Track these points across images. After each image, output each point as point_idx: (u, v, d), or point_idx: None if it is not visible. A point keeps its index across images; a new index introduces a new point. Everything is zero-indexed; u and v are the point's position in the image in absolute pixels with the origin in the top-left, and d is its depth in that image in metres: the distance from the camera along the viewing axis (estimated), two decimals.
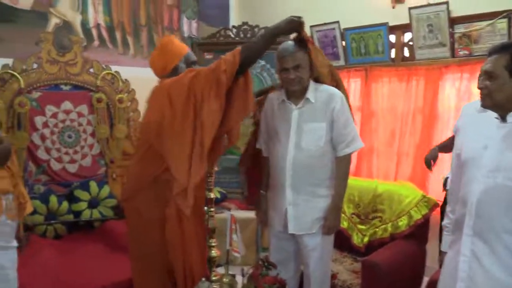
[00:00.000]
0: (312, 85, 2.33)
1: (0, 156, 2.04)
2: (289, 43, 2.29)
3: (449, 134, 3.45)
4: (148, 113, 2.21)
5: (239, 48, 2.04)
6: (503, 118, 1.64)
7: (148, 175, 2.17)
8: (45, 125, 3.42)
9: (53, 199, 3.25)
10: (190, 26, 4.61)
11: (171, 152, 2.06)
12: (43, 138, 3.40)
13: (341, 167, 2.34)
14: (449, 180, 2.86)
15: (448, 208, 1.95)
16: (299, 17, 2.18)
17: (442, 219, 2.97)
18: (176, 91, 2.05)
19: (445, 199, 2.96)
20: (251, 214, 3.56)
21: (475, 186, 1.65)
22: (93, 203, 3.44)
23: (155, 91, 2.21)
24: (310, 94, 2.30)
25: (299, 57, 2.24)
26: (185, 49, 2.26)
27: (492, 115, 1.68)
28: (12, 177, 2.27)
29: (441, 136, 3.50)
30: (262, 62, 4.34)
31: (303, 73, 2.25)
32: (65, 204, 3.31)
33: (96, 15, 3.91)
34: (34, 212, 3.16)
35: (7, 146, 2.18)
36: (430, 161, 2.90)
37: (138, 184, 2.21)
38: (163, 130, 2.07)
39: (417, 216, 3.02)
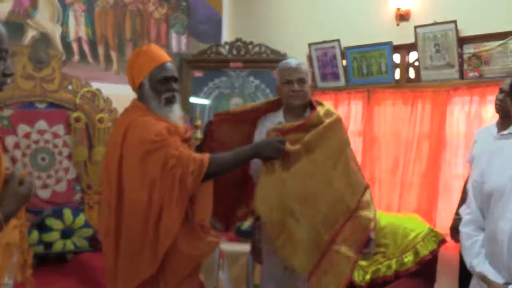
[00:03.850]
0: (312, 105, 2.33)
1: (21, 200, 1.70)
2: (292, 59, 2.36)
3: (458, 162, 3.42)
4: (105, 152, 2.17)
5: (209, 156, 1.97)
6: None
7: None
8: (17, 146, 3.33)
9: None
10: (179, 42, 4.59)
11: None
12: (13, 160, 3.31)
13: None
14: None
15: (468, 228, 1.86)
16: (283, 143, 2.09)
17: (462, 259, 2.88)
18: (129, 150, 1.96)
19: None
20: (241, 247, 3.48)
21: (505, 222, 1.62)
22: (66, 233, 3.32)
23: (117, 123, 2.14)
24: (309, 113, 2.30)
25: (304, 71, 2.28)
26: (154, 63, 2.07)
27: None
28: (22, 227, 2.10)
29: (449, 165, 3.46)
30: (257, 82, 4.33)
31: (306, 88, 2.27)
32: (35, 234, 3.19)
33: (77, 28, 3.88)
34: None
35: (29, 189, 1.87)
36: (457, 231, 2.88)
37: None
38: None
39: (424, 252, 2.97)
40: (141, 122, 1.99)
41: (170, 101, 2.10)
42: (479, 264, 1.77)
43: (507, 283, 1.63)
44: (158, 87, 2.06)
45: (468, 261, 1.83)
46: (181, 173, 1.89)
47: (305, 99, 2.30)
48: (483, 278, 1.68)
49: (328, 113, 2.31)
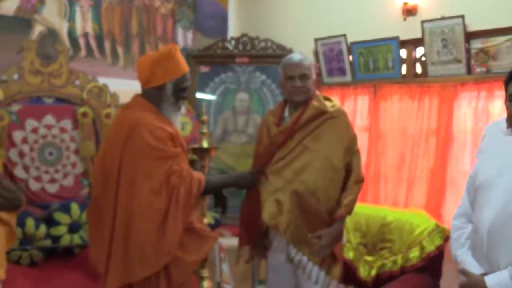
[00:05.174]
0: (317, 98, 2.33)
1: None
2: (296, 53, 2.37)
3: (465, 158, 3.42)
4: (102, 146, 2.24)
5: (204, 178, 2.10)
6: None
7: None
8: (24, 140, 3.36)
9: (30, 222, 3.17)
10: (185, 37, 4.60)
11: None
12: (21, 155, 3.34)
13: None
14: None
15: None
16: (256, 173, 2.28)
17: None
18: (133, 152, 1.99)
19: None
20: None
21: (486, 215, 1.68)
22: (74, 227, 3.35)
23: (119, 119, 2.15)
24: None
25: (306, 67, 2.28)
26: (182, 70, 2.14)
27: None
28: None
29: (456, 160, 3.46)
30: (263, 77, 4.33)
31: (309, 84, 2.27)
32: (42, 228, 3.22)
33: (84, 23, 3.90)
34: None
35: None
36: None
37: None
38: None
39: (430, 247, 2.96)
40: (148, 125, 2.01)
41: (180, 108, 2.21)
42: (462, 255, 1.85)
43: (485, 274, 1.69)
44: (180, 94, 2.13)
45: (453, 252, 1.91)
46: (184, 193, 1.98)
47: (307, 95, 2.31)
48: (463, 271, 1.76)
49: (333, 107, 2.33)
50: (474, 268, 1.75)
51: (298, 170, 2.25)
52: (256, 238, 2.41)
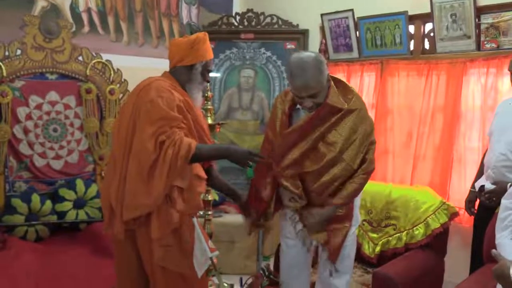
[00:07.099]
0: (332, 93, 2.29)
1: None
2: (304, 61, 2.17)
3: (473, 135, 3.40)
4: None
5: (196, 144, 2.12)
6: None
7: None
8: (29, 117, 3.38)
9: (36, 198, 3.22)
10: (189, 12, 4.57)
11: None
12: (26, 131, 3.37)
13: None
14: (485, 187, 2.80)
15: None
16: (254, 155, 2.21)
17: (476, 233, 2.93)
18: (139, 105, 2.12)
19: (479, 209, 2.92)
20: None
21: None
22: (79, 203, 3.41)
23: (139, 84, 2.27)
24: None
25: (313, 86, 2.17)
26: (211, 55, 2.37)
27: None
28: None
29: (464, 138, 3.44)
30: (268, 53, 4.31)
31: (320, 98, 2.22)
32: (48, 204, 3.27)
33: None
34: (14, 212, 3.15)
35: None
36: (472, 205, 2.92)
37: None
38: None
39: (435, 224, 2.97)
40: (158, 85, 2.15)
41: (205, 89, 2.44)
42: (501, 238, 1.77)
43: None
44: (206, 75, 2.35)
45: (496, 233, 1.82)
46: (172, 154, 2.05)
47: (319, 104, 2.25)
48: (495, 255, 1.65)
49: (350, 101, 2.29)
50: (510, 253, 1.65)
51: (315, 173, 2.26)
52: (260, 216, 2.46)
